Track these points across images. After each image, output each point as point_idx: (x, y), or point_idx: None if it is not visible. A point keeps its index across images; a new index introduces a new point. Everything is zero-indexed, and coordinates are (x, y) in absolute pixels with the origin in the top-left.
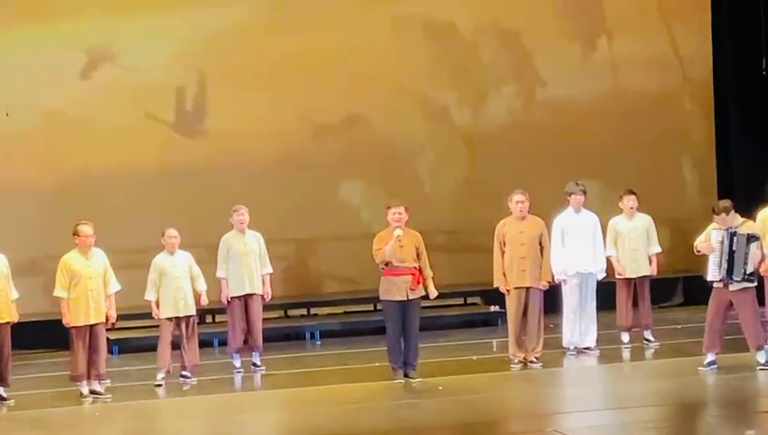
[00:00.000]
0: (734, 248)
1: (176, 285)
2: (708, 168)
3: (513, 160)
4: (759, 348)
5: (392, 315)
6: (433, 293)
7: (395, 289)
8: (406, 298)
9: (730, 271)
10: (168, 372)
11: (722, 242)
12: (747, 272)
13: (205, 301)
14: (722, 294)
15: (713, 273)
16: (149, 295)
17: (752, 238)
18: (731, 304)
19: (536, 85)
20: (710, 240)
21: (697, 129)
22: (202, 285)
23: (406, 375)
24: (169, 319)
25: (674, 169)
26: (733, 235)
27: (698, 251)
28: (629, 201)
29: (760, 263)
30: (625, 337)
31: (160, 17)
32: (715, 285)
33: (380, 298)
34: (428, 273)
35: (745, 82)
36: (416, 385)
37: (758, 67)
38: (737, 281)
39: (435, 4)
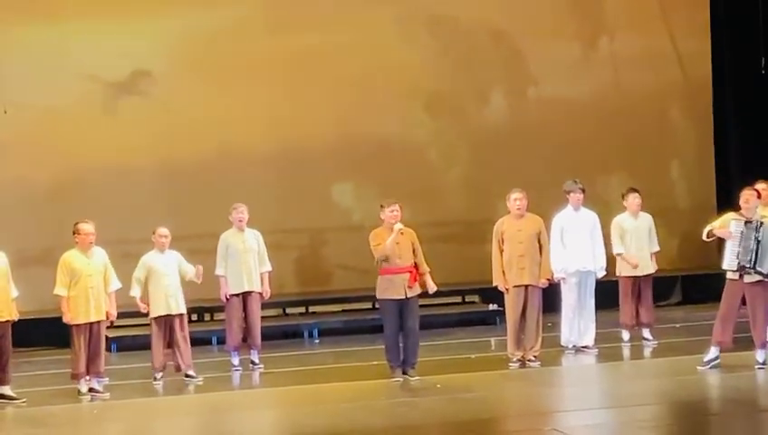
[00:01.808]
0: (759, 239)
1: (165, 283)
2: (707, 166)
3: (513, 159)
4: (762, 346)
5: (390, 314)
6: (432, 287)
7: (392, 288)
8: (404, 296)
9: (754, 262)
10: (163, 370)
11: (742, 232)
12: None
13: (200, 272)
14: (736, 287)
15: (729, 262)
16: (134, 292)
17: None
18: (744, 299)
19: (532, 84)
20: (728, 227)
21: (696, 128)
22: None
23: (404, 373)
24: (160, 317)
25: (672, 167)
26: (759, 225)
27: (710, 237)
28: (635, 199)
29: None
30: (626, 335)
31: (160, 14)
32: (729, 275)
33: (378, 297)
34: (425, 268)
35: (744, 81)
36: (414, 383)
37: (757, 66)
38: (759, 273)
39: (437, 1)
